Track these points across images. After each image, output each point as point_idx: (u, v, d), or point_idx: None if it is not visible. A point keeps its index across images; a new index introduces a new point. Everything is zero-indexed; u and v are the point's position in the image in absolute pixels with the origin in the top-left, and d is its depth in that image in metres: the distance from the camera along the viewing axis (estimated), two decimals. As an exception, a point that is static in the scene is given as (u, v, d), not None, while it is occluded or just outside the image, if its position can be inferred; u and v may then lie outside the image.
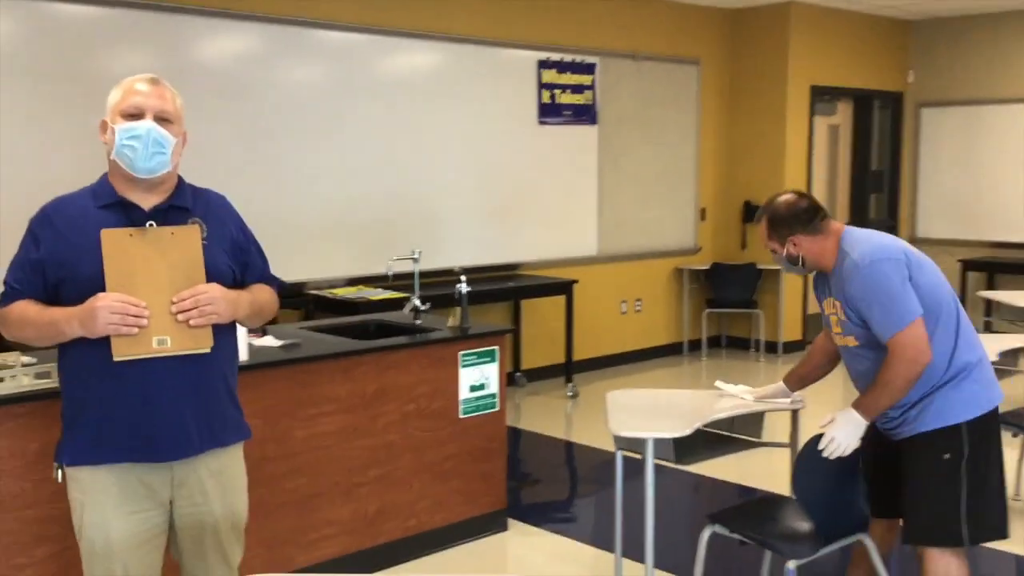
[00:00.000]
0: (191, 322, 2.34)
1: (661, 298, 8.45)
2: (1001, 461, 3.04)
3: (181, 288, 2.36)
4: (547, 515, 4.72)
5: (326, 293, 5.99)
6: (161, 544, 2.52)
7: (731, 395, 3.51)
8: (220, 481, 2.54)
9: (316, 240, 6.18)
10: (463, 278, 4.43)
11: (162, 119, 2.42)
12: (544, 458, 5.86)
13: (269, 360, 3.67)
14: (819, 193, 9.12)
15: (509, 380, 7.33)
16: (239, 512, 2.63)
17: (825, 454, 2.96)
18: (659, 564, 3.90)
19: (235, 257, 2.57)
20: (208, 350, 2.39)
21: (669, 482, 4.96)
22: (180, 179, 2.55)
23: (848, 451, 2.98)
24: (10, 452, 3.03)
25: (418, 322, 4.49)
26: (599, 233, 7.84)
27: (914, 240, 9.57)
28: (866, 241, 3.00)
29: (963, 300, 8.45)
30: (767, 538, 3.12)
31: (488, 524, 4.39)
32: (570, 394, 7.08)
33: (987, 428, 2.99)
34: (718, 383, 3.61)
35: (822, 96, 8.86)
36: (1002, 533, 3.03)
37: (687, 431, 3.18)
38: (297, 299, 5.94)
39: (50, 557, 3.12)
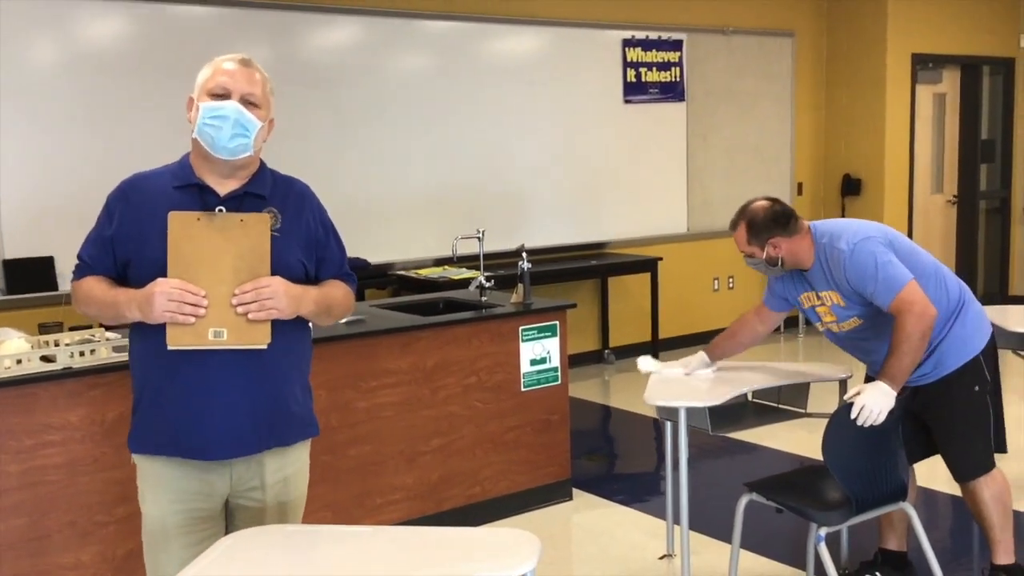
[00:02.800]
0: (250, 316, 2.23)
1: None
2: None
3: (244, 279, 2.24)
4: (615, 486, 4.82)
5: (411, 273, 6.22)
6: (219, 531, 2.42)
7: (653, 371, 3.64)
8: (282, 479, 2.43)
9: (406, 222, 6.43)
10: (524, 255, 4.55)
11: (248, 102, 2.31)
12: (626, 433, 5.95)
13: (331, 335, 3.89)
14: (924, 164, 8.82)
15: (598, 358, 7.44)
16: (298, 505, 2.53)
17: (859, 421, 2.99)
18: (711, 531, 3.99)
19: (309, 251, 2.42)
20: (264, 347, 2.26)
21: (728, 452, 5.00)
22: (262, 165, 2.44)
23: (881, 418, 3.00)
24: (91, 420, 3.34)
25: (484, 299, 4.65)
26: (688, 210, 7.83)
27: (1029, 211, 9.17)
28: (844, 229, 3.22)
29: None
30: (800, 505, 3.14)
31: (552, 493, 4.52)
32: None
33: (993, 352, 3.29)
34: (639, 361, 3.71)
35: (925, 64, 8.56)
36: (1004, 446, 3.34)
37: (719, 401, 3.23)
38: (384, 279, 6.20)
39: (130, 516, 3.42)
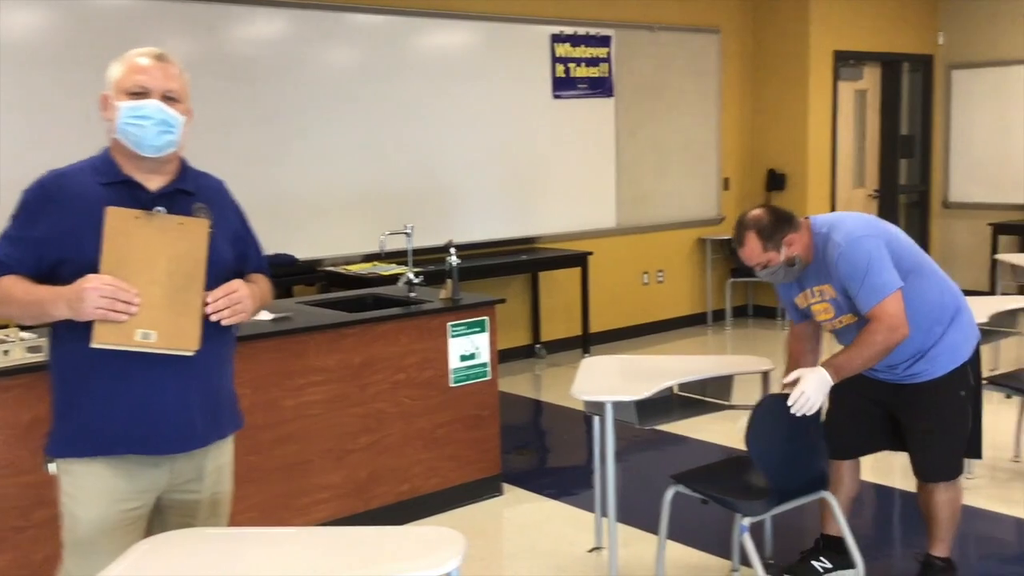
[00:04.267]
0: (223, 322, 2.25)
1: (684, 269, 8.48)
2: None
3: (178, 283, 2.20)
4: (545, 481, 4.84)
5: (340, 269, 6.17)
6: (144, 526, 2.40)
7: None
8: (216, 469, 2.45)
9: (335, 217, 6.36)
10: (453, 251, 4.54)
11: (169, 98, 2.28)
12: (556, 427, 5.98)
13: (257, 332, 3.83)
14: (846, 159, 9.02)
15: (529, 352, 7.46)
16: (227, 496, 2.55)
17: (794, 410, 3.03)
18: (640, 524, 4.03)
19: (235, 246, 2.43)
20: (192, 353, 2.23)
21: (655, 445, 5.05)
22: (183, 161, 2.41)
23: (814, 408, 3.06)
24: (4, 422, 3.24)
25: (413, 295, 4.62)
26: (617, 205, 7.89)
27: (946, 204, 9.44)
28: (842, 222, 3.16)
29: (992, 264, 8.33)
30: (724, 496, 3.19)
31: (483, 489, 4.52)
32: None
33: (978, 361, 3.30)
34: None
35: (847, 61, 8.75)
36: (979, 453, 3.42)
37: (645, 395, 3.26)
38: (311, 275, 6.13)
39: (48, 520, 3.32)
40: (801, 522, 4.00)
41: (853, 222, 3.16)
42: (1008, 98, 8.90)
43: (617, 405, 3.32)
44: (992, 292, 7.37)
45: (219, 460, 2.47)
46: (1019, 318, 5.05)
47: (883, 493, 4.46)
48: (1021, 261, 6.49)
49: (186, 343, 2.21)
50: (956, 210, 9.37)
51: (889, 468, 4.64)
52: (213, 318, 2.23)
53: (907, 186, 9.51)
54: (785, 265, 3.14)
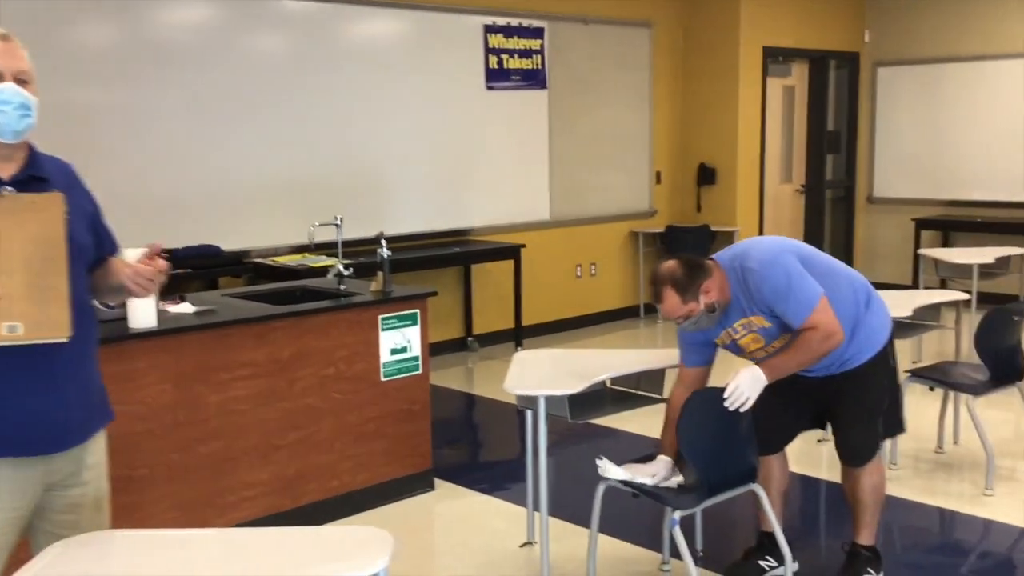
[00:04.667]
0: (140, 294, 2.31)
1: (616, 262, 8.51)
2: None
3: (37, 268, 2.07)
4: (477, 475, 4.80)
5: (268, 261, 6.04)
6: (20, 528, 2.24)
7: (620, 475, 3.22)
8: (97, 465, 2.36)
9: (263, 208, 6.22)
10: (384, 242, 4.46)
11: (21, 80, 2.17)
12: (488, 421, 5.95)
13: (179, 326, 3.72)
14: (774, 155, 9.14)
15: (461, 345, 7.41)
16: (105, 491, 2.41)
17: (728, 403, 3.05)
18: (572, 518, 4.01)
19: (92, 230, 2.34)
20: (66, 339, 2.11)
21: (587, 438, 5.05)
22: (32, 146, 2.28)
23: (749, 403, 3.08)
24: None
25: (343, 287, 4.54)
26: (551, 198, 7.87)
27: (871, 200, 9.64)
28: (749, 249, 3.22)
29: (915, 259, 8.52)
30: (655, 490, 3.19)
31: (414, 484, 4.47)
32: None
33: (893, 341, 3.36)
34: (602, 466, 3.21)
35: (775, 57, 8.86)
36: (904, 427, 3.54)
37: (578, 389, 3.24)
38: (238, 267, 5.99)
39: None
40: (731, 514, 4.04)
41: (760, 246, 3.22)
42: (932, 95, 9.11)
43: (550, 399, 3.29)
44: (915, 286, 7.54)
45: (97, 455, 2.37)
46: (942, 311, 5.16)
47: (809, 484, 4.52)
48: (943, 256, 6.64)
49: (56, 331, 2.08)
50: (880, 205, 9.57)
51: (816, 459, 4.71)
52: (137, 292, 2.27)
53: (833, 181, 9.68)
54: (706, 312, 3.14)
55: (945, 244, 8.87)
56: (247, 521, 3.91)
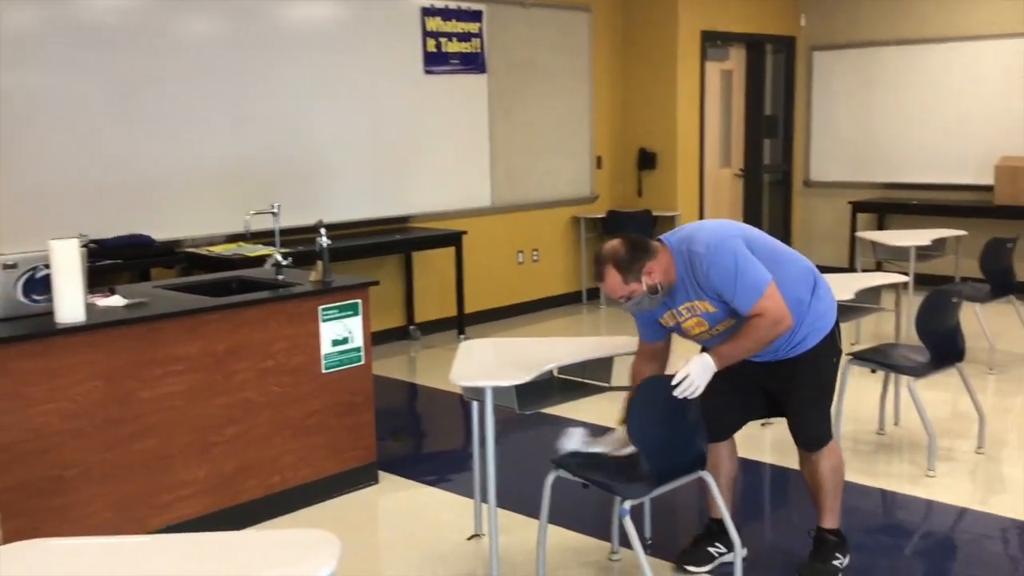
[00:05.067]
0: None
1: (558, 247, 8.46)
2: None
3: None
4: (424, 467, 4.72)
5: (202, 250, 5.86)
6: None
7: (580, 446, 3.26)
8: None
9: (196, 196, 6.04)
10: (323, 231, 4.34)
11: None
12: (432, 411, 5.86)
13: (109, 320, 3.56)
14: (713, 139, 9.18)
15: (403, 334, 7.31)
16: None
17: (677, 392, 3.01)
18: (520, 508, 3.96)
19: None
20: None
21: (534, 426, 4.99)
22: None
23: (698, 392, 3.05)
24: None
25: (280, 278, 4.41)
26: (492, 183, 7.79)
27: (808, 183, 9.73)
28: (697, 232, 3.17)
29: (851, 242, 8.62)
30: (604, 480, 3.15)
31: (358, 477, 4.37)
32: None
33: (838, 324, 3.34)
34: (565, 437, 3.26)
35: (714, 42, 8.88)
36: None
37: (525, 379, 3.18)
38: (171, 257, 5.81)
39: None
40: (678, 501, 4.02)
41: (708, 229, 3.18)
42: (867, 79, 9.21)
43: (497, 390, 3.22)
44: (852, 268, 7.63)
45: None
46: (882, 294, 5.21)
47: (755, 469, 4.52)
48: (881, 238, 6.72)
49: None
50: (817, 189, 9.67)
51: (761, 444, 4.73)
52: None
53: (771, 166, 9.75)
54: (648, 294, 3.11)
55: (880, 227, 8.99)
56: (185, 521, 3.79)
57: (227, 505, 3.93)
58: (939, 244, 6.79)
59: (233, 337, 3.90)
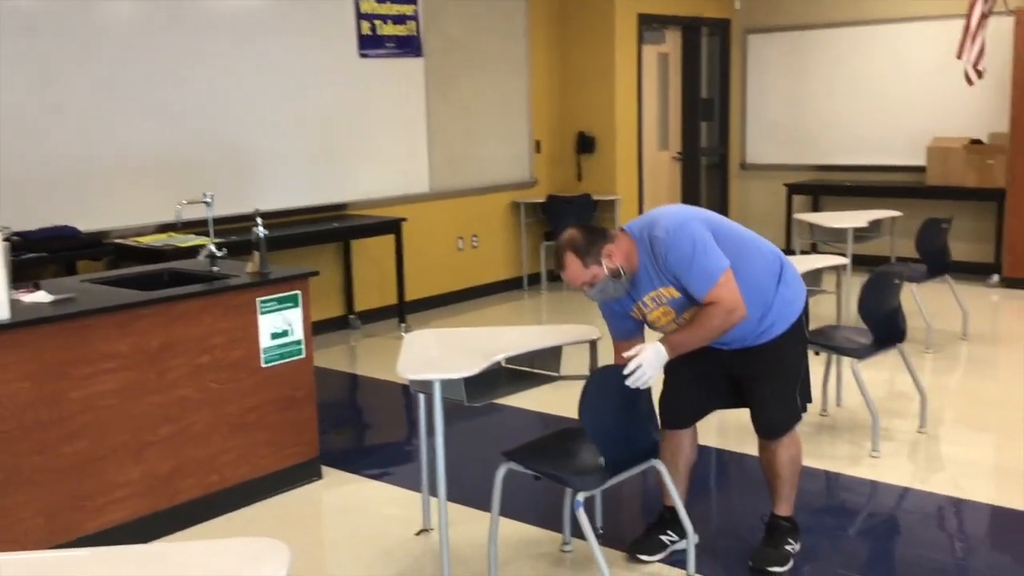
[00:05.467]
0: None
1: (498, 233, 8.38)
2: None
3: None
4: (369, 460, 4.62)
5: (130, 242, 5.65)
6: None
7: None
8: None
9: (124, 185, 5.82)
10: (259, 220, 4.20)
11: None
12: (375, 403, 5.75)
13: (35, 317, 3.39)
14: (651, 123, 9.17)
15: (343, 323, 7.17)
16: None
17: (629, 382, 2.96)
18: (468, 501, 3.88)
19: None
20: None
21: (479, 415, 4.93)
22: None
23: (650, 383, 3.01)
24: None
25: (215, 269, 4.26)
26: (431, 169, 7.67)
27: (744, 166, 9.79)
28: (659, 217, 3.13)
29: (787, 224, 8.72)
30: (557, 472, 3.09)
31: (301, 474, 4.25)
32: (404, 334, 6.94)
33: (807, 312, 3.33)
34: None
35: (650, 24, 8.86)
36: (811, 398, 3.43)
37: (475, 371, 3.10)
38: (98, 249, 5.59)
39: None
40: (629, 490, 3.99)
41: (670, 214, 3.14)
42: (801, 62, 9.28)
43: (445, 383, 3.14)
44: (789, 250, 7.67)
45: None
46: (823, 276, 5.24)
47: (707, 454, 4.51)
48: (819, 220, 6.77)
49: None
50: (753, 171, 9.74)
51: (712, 430, 4.71)
52: None
53: (708, 148, 9.79)
54: (611, 278, 3.06)
55: (815, 208, 9.09)
56: (119, 524, 3.64)
57: (164, 507, 3.79)
58: (875, 225, 6.87)
59: (167, 332, 3.75)
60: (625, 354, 3.02)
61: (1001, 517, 3.83)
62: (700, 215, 3.15)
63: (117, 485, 3.65)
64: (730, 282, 3.02)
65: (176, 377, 3.78)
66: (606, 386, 3.00)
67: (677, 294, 3.08)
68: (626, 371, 2.96)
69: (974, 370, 5.94)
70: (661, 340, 3.03)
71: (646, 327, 3.26)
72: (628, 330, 3.24)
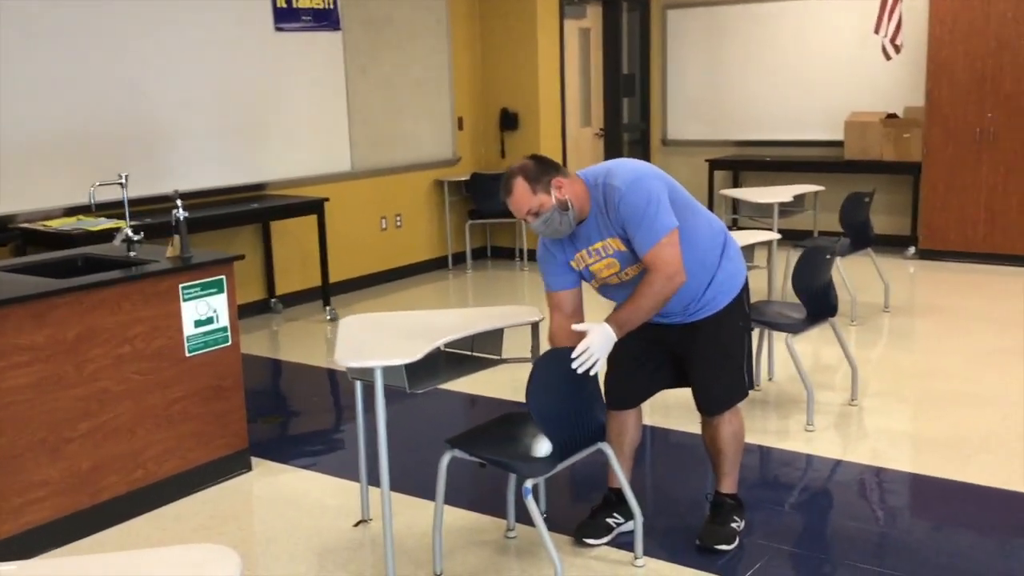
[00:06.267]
0: None
1: (422, 212, 8.24)
2: None
3: None
4: (300, 450, 4.47)
5: (38, 226, 5.35)
6: None
7: None
8: None
9: (28, 166, 5.50)
10: (179, 202, 4.00)
11: None
12: (302, 389, 5.58)
13: (-61, 310, 3.16)
14: (573, 98, 9.10)
15: (265, 307, 6.96)
16: None
17: (575, 365, 2.89)
18: (407, 490, 3.78)
19: None
20: None
21: (428, 404, 4.82)
22: None
23: (599, 366, 2.95)
24: None
25: (133, 254, 4.05)
26: (352, 147, 7.48)
27: (666, 142, 9.82)
28: (617, 167, 3.07)
29: (710, 199, 8.79)
30: (504, 459, 3.01)
31: (230, 466, 4.09)
32: (329, 317, 6.79)
33: (747, 286, 3.30)
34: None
35: (571, -1, 8.78)
36: (754, 382, 3.44)
37: (416, 356, 2.99)
38: (3, 234, 5.28)
39: None
40: (574, 473, 3.93)
41: (628, 167, 3.08)
42: (720, 37, 9.32)
43: (386, 370, 3.02)
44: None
45: None
46: (755, 252, 5.25)
47: (651, 434, 4.48)
48: (744, 195, 6.80)
49: None
50: (674, 147, 9.77)
51: (660, 408, 4.69)
52: None
53: (630, 124, 9.78)
54: (559, 209, 2.98)
55: (736, 184, 9.17)
56: (39, 525, 3.45)
57: (86, 505, 3.59)
58: (799, 200, 6.94)
59: (84, 322, 3.54)
60: (575, 327, 2.94)
61: (929, 486, 3.89)
62: (658, 173, 3.09)
63: (35, 485, 3.44)
64: (674, 244, 2.96)
65: (95, 369, 3.58)
66: (553, 371, 2.92)
67: (623, 247, 3.03)
68: (574, 355, 2.89)
69: (896, 342, 6.05)
70: (607, 320, 2.97)
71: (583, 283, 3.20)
72: (564, 282, 3.15)
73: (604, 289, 3.21)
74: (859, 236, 6.20)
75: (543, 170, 3.00)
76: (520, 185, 2.97)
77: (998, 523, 3.54)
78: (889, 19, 7.51)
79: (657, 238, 2.94)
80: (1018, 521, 3.56)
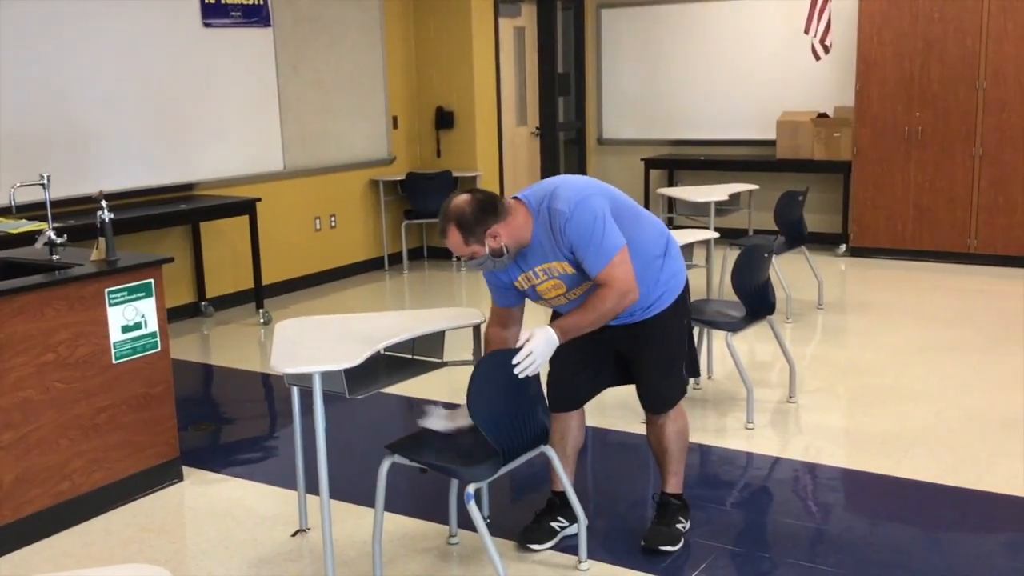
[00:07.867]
0: None
1: (357, 212, 8.12)
2: None
3: None
4: (234, 458, 4.34)
5: (-47, 229, 5.12)
6: None
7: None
8: None
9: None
10: (104, 203, 3.85)
11: None
12: (235, 394, 5.43)
13: None
14: (509, 97, 9.06)
15: (195, 310, 6.79)
16: None
17: (518, 370, 2.86)
18: (346, 497, 3.69)
19: None
20: None
21: (367, 408, 4.72)
22: None
23: (538, 370, 2.92)
24: None
25: (56, 258, 3.89)
26: (284, 146, 7.33)
27: (601, 141, 9.84)
28: (559, 189, 3.00)
29: (646, 198, 8.82)
30: (446, 464, 2.95)
31: (160, 476, 3.95)
32: (262, 320, 6.64)
33: (688, 285, 3.30)
34: (425, 418, 3.10)
35: (506, -3, 8.73)
36: (699, 370, 3.52)
37: (357, 361, 2.92)
38: (-85, 238, 5.03)
39: None
40: (516, 477, 3.88)
41: (571, 186, 3.02)
42: (654, 37, 9.35)
43: (325, 375, 2.93)
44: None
45: None
46: (694, 251, 5.26)
47: (595, 435, 4.45)
48: (681, 194, 6.83)
49: None
50: (610, 146, 9.79)
51: (602, 409, 4.66)
52: None
53: (565, 123, 9.77)
54: (491, 257, 2.95)
55: (671, 183, 9.21)
56: (-44, 545, 3.27)
57: (8, 520, 3.44)
58: (735, 198, 6.99)
59: (4, 330, 3.38)
60: (516, 341, 2.91)
61: (867, 482, 3.92)
62: (600, 188, 3.06)
63: (-49, 502, 3.28)
64: (625, 262, 2.95)
65: (17, 378, 3.42)
66: (494, 374, 2.87)
67: (570, 269, 3.00)
68: (516, 359, 2.85)
69: (830, 338, 6.13)
70: (552, 324, 2.93)
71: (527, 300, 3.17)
72: (508, 300, 3.16)
73: (553, 304, 3.17)
74: (793, 234, 6.26)
75: (478, 220, 2.90)
76: (454, 233, 2.92)
77: (934, 518, 3.59)
78: (819, 20, 7.63)
79: (608, 259, 2.92)
80: (953, 515, 3.61)
